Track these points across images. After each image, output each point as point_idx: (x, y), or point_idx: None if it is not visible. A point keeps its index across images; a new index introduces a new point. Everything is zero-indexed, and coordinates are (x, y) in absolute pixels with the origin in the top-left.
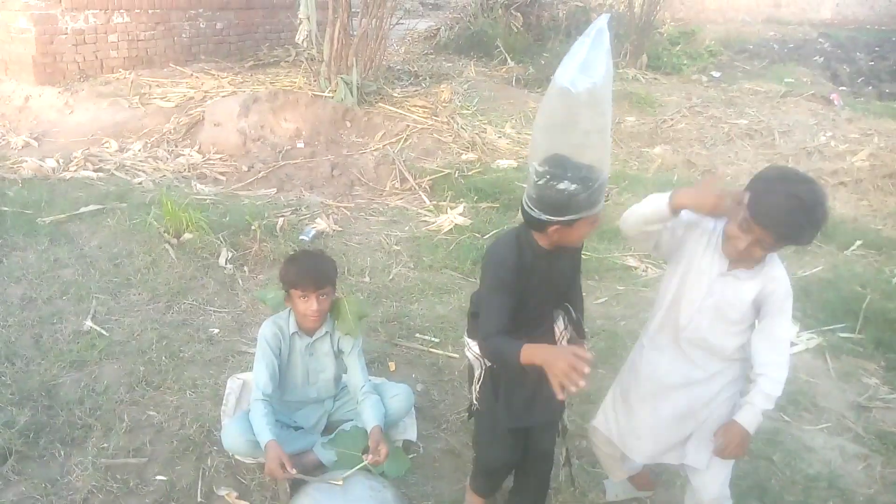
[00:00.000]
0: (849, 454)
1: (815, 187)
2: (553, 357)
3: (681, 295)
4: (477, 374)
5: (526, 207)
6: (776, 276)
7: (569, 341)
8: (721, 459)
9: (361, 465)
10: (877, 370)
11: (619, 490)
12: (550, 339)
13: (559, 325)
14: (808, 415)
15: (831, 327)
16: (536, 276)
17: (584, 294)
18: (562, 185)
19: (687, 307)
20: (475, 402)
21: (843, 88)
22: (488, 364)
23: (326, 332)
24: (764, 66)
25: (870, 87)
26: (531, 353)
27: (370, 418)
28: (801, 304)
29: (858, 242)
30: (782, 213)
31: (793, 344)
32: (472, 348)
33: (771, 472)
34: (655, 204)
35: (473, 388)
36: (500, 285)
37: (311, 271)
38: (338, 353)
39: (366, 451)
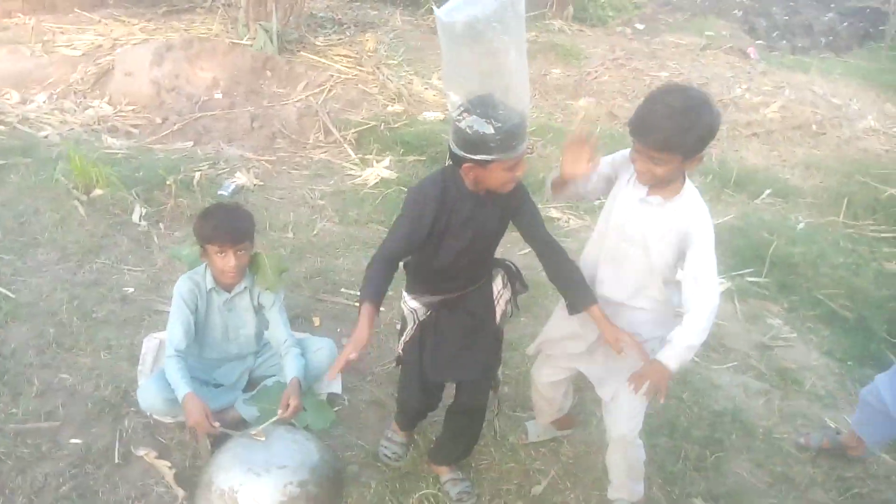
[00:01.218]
0: (752, 390)
1: (691, 93)
2: (353, 339)
3: (608, 226)
4: (409, 327)
5: (450, 141)
6: (695, 210)
7: (507, 302)
8: (630, 396)
9: (274, 419)
10: (780, 312)
11: (541, 431)
12: (488, 296)
13: (497, 284)
14: (715, 355)
15: (740, 272)
16: (459, 217)
17: (508, 244)
18: (469, 121)
19: (613, 234)
20: (401, 352)
21: (760, 42)
22: (421, 319)
23: (245, 287)
24: (686, 18)
25: (784, 42)
26: (361, 313)
27: (290, 371)
28: (715, 250)
29: (768, 191)
30: (655, 119)
31: None
32: (408, 302)
33: (680, 409)
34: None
35: (401, 339)
36: (411, 214)
37: (227, 226)
38: (258, 309)
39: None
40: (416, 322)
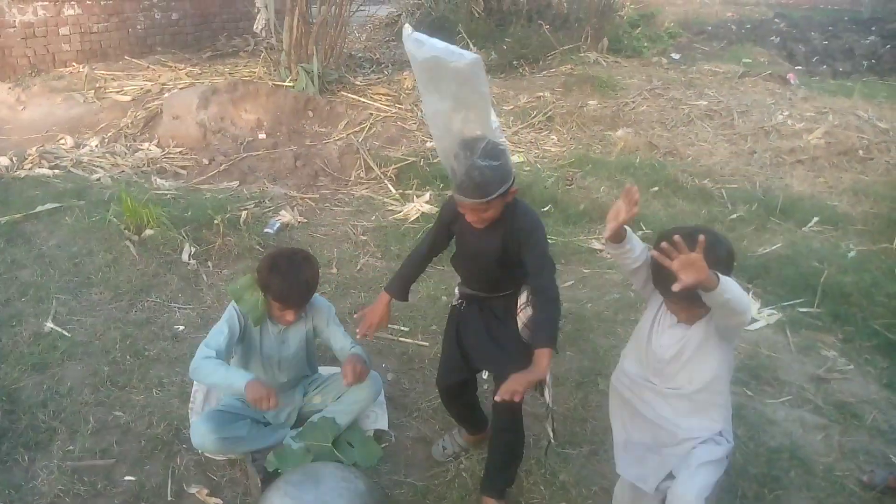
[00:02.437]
0: (809, 425)
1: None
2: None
3: (649, 340)
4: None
5: None
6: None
7: (528, 317)
8: (688, 474)
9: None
10: (834, 343)
11: None
12: (512, 305)
13: (522, 297)
14: (769, 389)
15: (790, 303)
16: (464, 231)
17: None
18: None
19: (658, 350)
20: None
21: (799, 68)
22: (454, 304)
23: (300, 317)
24: (722, 46)
25: (824, 66)
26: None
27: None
28: (762, 280)
29: (815, 219)
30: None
31: (754, 320)
32: (455, 289)
33: (735, 445)
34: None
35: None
36: (437, 218)
37: (299, 294)
38: (310, 334)
39: (335, 439)
40: (451, 306)
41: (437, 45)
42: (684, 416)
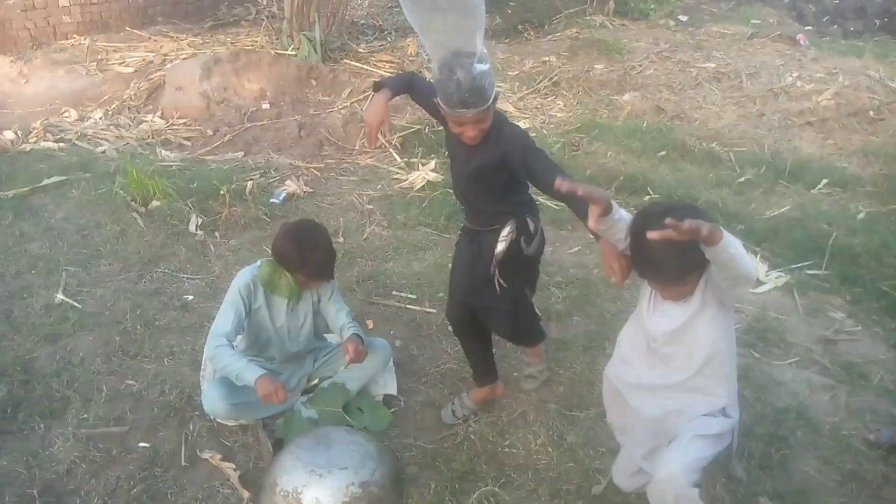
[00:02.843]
0: (816, 386)
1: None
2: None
3: (644, 319)
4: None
5: None
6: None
7: (506, 245)
8: (683, 441)
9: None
10: (842, 305)
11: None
12: (495, 235)
13: (505, 230)
14: (777, 350)
15: (799, 265)
16: (463, 153)
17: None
18: (438, 67)
19: (651, 327)
20: None
21: (809, 28)
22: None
23: None
24: (730, 7)
25: (835, 26)
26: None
27: (349, 334)
28: (770, 243)
29: (825, 181)
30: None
31: (761, 283)
32: None
33: (742, 406)
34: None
35: None
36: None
37: (325, 268)
38: (316, 305)
39: (346, 405)
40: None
41: None
42: (681, 404)
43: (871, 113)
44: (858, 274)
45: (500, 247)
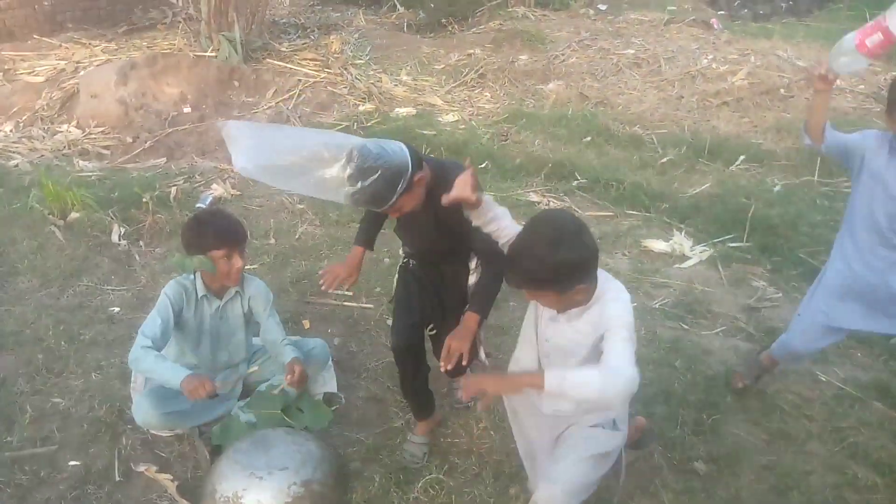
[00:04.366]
0: (742, 352)
1: (549, 229)
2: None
3: (536, 336)
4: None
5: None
6: (604, 305)
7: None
8: (567, 464)
9: (283, 385)
10: (763, 273)
11: None
12: (461, 270)
13: (472, 262)
14: (704, 321)
15: (721, 239)
16: (405, 223)
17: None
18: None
19: (541, 345)
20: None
21: (722, 12)
22: (401, 263)
23: (236, 292)
24: None
25: (745, 10)
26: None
27: (288, 356)
28: (693, 219)
29: (742, 157)
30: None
31: (686, 257)
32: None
33: (674, 376)
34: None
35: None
36: None
37: (230, 228)
38: (248, 315)
39: (285, 407)
40: (400, 266)
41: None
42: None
43: (782, 91)
44: (777, 244)
45: (474, 278)
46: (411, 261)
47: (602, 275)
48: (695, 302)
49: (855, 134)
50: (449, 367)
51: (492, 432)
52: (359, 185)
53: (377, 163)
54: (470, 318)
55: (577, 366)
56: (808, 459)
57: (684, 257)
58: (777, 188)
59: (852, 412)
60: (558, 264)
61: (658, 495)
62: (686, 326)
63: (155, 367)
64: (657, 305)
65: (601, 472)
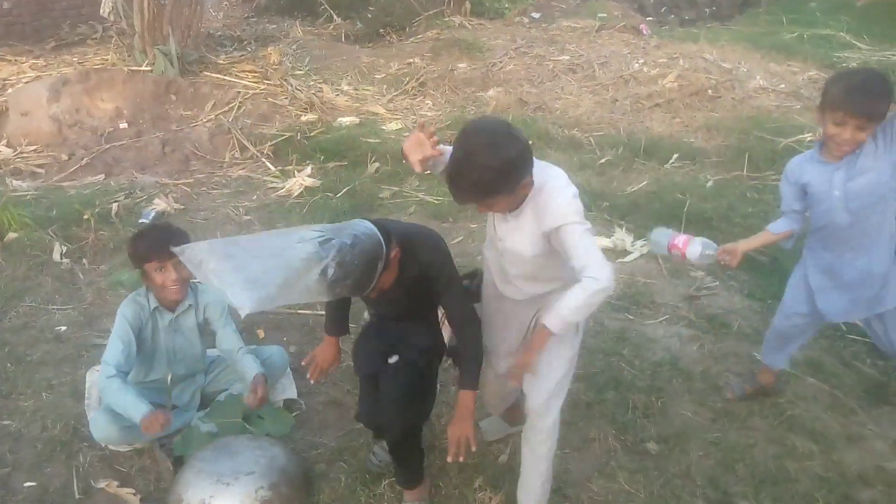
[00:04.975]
0: (685, 338)
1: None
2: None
3: (494, 242)
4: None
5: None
6: (548, 197)
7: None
8: (543, 371)
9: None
10: (700, 265)
11: (496, 427)
12: (428, 318)
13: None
14: (648, 311)
15: None
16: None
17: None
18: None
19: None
20: None
21: (650, 18)
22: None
23: (190, 304)
24: (578, 3)
25: (672, 16)
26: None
27: (250, 368)
28: (633, 216)
29: (675, 156)
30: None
31: (628, 252)
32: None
33: (622, 364)
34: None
35: None
36: None
37: (161, 240)
38: (203, 326)
39: (246, 415)
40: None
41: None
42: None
43: (710, 91)
44: (712, 236)
45: (448, 332)
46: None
47: (539, 164)
48: (638, 294)
49: (783, 184)
50: (461, 459)
51: None
52: (342, 279)
53: (355, 256)
54: (466, 398)
55: (535, 274)
56: (750, 434)
57: (626, 252)
58: (709, 184)
59: (788, 388)
60: (503, 164)
61: (614, 475)
62: (631, 317)
63: (117, 400)
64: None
65: (572, 372)
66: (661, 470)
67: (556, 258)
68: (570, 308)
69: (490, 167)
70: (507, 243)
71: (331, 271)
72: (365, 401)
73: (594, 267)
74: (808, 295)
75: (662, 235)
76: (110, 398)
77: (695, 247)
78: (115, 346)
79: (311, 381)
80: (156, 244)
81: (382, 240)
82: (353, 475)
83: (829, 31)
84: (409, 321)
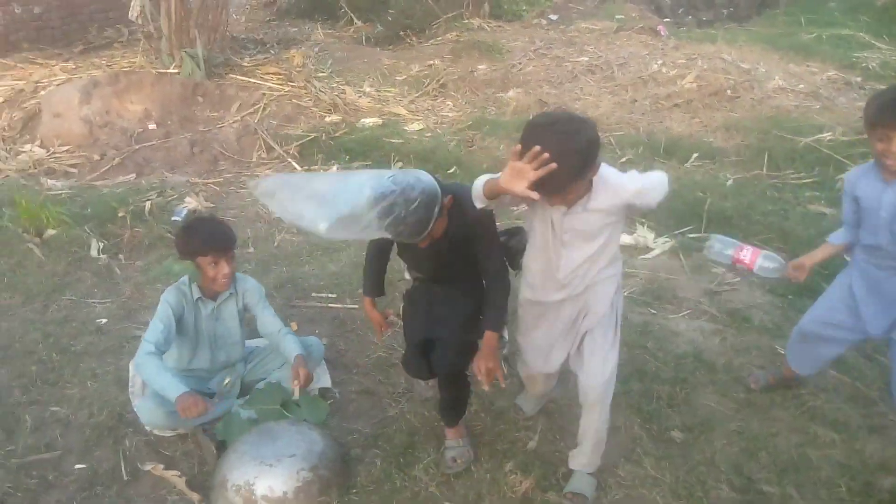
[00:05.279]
0: (707, 332)
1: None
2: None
3: (555, 258)
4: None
5: None
6: (605, 176)
7: None
8: (602, 350)
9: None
10: None
11: (533, 403)
12: (471, 290)
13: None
14: (670, 306)
15: (681, 230)
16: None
17: None
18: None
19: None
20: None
21: (667, 20)
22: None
23: (230, 293)
24: (595, 5)
25: (689, 17)
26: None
27: (291, 349)
28: (654, 214)
29: (695, 155)
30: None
31: (650, 249)
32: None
33: (646, 357)
34: (479, 193)
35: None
36: None
37: (217, 236)
38: (242, 313)
39: (284, 402)
40: (407, 290)
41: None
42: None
43: (729, 92)
44: (732, 233)
45: None
46: (416, 283)
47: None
48: (660, 289)
49: (844, 194)
50: (487, 388)
51: (482, 414)
52: (403, 215)
53: (416, 197)
54: (490, 338)
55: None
56: (773, 423)
57: (648, 249)
58: (729, 182)
59: (810, 380)
60: (588, 144)
61: (641, 462)
62: (654, 311)
63: (155, 377)
64: (626, 294)
65: (617, 354)
66: (686, 457)
67: (617, 234)
68: (651, 179)
69: (580, 151)
70: (575, 233)
71: (397, 208)
72: (412, 360)
73: (656, 174)
74: (848, 304)
75: (726, 245)
76: (146, 374)
77: (763, 262)
78: (156, 327)
79: (380, 339)
80: (211, 239)
81: (439, 187)
82: (388, 459)
83: (848, 31)
84: (450, 285)
